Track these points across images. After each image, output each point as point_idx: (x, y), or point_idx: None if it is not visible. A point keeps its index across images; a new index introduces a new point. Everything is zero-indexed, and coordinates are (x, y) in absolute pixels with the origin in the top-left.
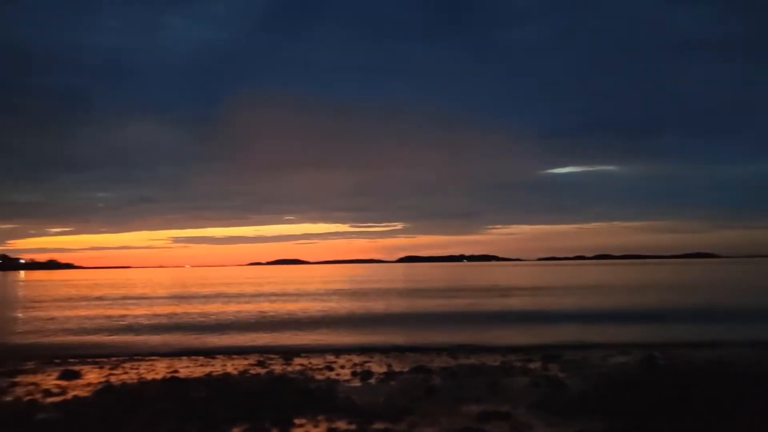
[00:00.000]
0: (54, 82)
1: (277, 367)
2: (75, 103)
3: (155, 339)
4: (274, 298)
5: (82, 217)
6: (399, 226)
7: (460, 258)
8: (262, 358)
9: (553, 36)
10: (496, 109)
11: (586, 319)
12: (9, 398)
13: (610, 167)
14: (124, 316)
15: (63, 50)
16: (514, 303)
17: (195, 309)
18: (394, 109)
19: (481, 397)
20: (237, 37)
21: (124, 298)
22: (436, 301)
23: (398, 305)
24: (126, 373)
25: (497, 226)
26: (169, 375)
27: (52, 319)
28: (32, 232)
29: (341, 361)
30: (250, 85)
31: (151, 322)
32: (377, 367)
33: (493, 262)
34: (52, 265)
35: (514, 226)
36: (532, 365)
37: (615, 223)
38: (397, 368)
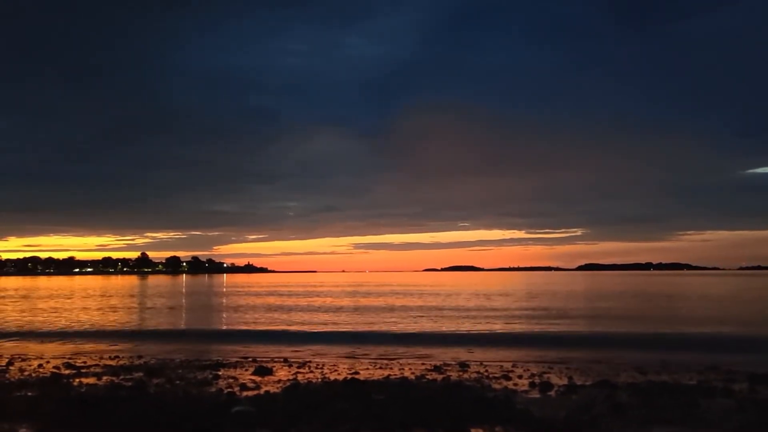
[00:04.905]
0: (249, 102)
1: (454, 374)
2: (266, 120)
3: (339, 335)
4: (451, 297)
5: (274, 225)
6: (578, 232)
7: (647, 266)
8: (439, 364)
9: (744, 23)
10: (685, 105)
11: None
12: (213, 389)
13: None
14: (312, 315)
15: (256, 73)
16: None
17: (378, 301)
18: (570, 111)
19: (675, 418)
20: (410, 50)
21: (313, 296)
22: (622, 306)
23: (579, 308)
24: (311, 372)
25: (689, 232)
26: (350, 376)
27: (251, 316)
28: (233, 238)
29: (518, 370)
30: (424, 96)
31: (338, 321)
32: (557, 379)
33: (685, 271)
34: (249, 268)
35: (710, 231)
36: (736, 386)
37: None
38: (578, 381)
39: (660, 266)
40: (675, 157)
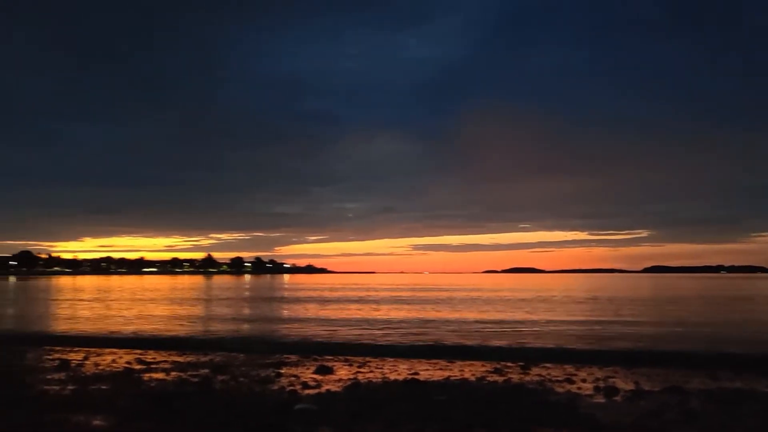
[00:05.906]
0: (308, 106)
1: (515, 376)
2: (326, 123)
3: (400, 338)
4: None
5: (334, 226)
6: (644, 233)
7: (717, 269)
8: (499, 366)
9: None
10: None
11: None
12: (275, 387)
13: None
14: (371, 315)
15: (314, 77)
16: None
17: (439, 313)
18: (631, 111)
19: (753, 427)
20: (466, 52)
21: (372, 299)
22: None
23: (644, 313)
24: (372, 371)
25: (763, 234)
26: (410, 377)
27: (312, 316)
28: (294, 239)
29: (582, 374)
30: (482, 97)
31: (397, 322)
32: (623, 384)
33: (760, 274)
34: (309, 269)
35: None
36: None
37: None
38: (646, 386)
39: (732, 269)
40: (747, 155)
